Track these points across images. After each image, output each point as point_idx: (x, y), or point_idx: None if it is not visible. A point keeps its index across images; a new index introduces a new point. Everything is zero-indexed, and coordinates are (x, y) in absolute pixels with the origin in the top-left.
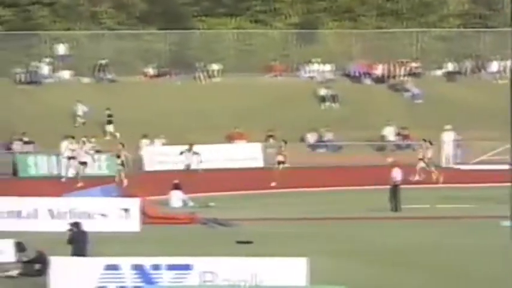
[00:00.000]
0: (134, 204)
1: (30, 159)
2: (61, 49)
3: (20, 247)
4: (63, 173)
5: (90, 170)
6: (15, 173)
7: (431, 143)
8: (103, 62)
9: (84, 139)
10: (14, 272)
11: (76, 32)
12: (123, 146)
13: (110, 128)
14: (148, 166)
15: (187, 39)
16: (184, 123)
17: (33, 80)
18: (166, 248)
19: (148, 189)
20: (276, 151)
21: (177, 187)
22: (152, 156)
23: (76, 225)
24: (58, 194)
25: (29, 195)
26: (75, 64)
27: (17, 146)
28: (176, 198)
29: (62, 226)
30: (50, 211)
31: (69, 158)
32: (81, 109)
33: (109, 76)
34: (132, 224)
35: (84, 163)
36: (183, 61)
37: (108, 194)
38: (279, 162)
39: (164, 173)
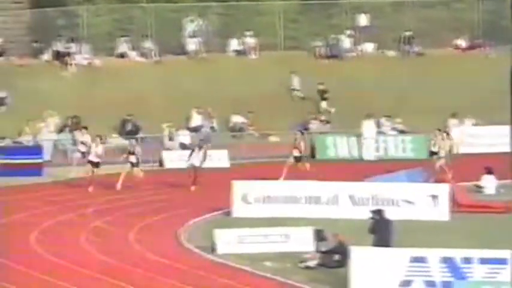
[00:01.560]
0: (443, 190)
1: (329, 140)
2: (362, 20)
3: (319, 236)
4: (364, 156)
5: (394, 153)
6: (313, 155)
7: (447, 134)
8: (408, 33)
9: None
10: (312, 263)
11: (379, 1)
12: (136, 140)
13: (324, 104)
14: (459, 149)
15: (503, 7)
16: (495, 101)
17: (334, 54)
18: (477, 239)
19: (458, 173)
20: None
21: (489, 172)
22: (461, 138)
23: (379, 212)
24: (359, 179)
25: (328, 180)
26: (378, 36)
27: (314, 125)
28: (489, 184)
29: (364, 213)
30: (351, 197)
31: (82, 153)
32: (296, 81)
33: (416, 49)
34: (441, 212)
35: (96, 164)
36: (498, 32)
37: (414, 179)
38: (295, 158)
39: (476, 156)
